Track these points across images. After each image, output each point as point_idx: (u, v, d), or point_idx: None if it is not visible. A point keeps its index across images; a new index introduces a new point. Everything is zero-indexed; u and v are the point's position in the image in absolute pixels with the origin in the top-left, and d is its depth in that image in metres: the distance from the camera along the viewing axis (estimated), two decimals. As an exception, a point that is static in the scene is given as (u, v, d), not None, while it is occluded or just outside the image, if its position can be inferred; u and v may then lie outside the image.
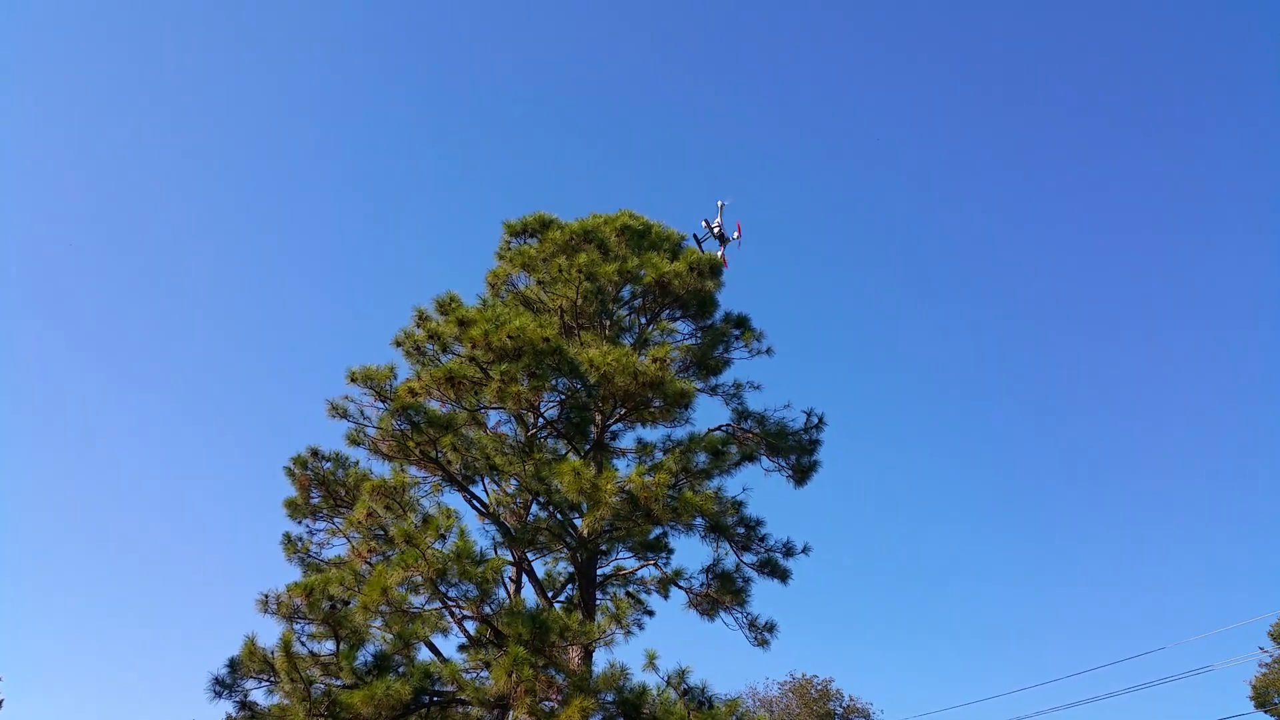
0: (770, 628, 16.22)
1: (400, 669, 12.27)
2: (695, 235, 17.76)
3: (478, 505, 15.40)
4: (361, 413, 15.59)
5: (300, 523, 17.24)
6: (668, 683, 12.53)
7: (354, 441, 15.77)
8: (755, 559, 16.30)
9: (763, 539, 16.30)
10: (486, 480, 15.66)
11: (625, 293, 17.62)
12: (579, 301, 16.09)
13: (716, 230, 17.89)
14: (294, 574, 16.99)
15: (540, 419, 16.20)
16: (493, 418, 16.56)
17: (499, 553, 15.72)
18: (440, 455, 14.10)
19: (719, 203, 17.12)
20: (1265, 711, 46.87)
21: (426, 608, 14.22)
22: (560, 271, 16.05)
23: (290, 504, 16.96)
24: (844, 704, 47.89)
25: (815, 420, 17.16)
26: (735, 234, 18.19)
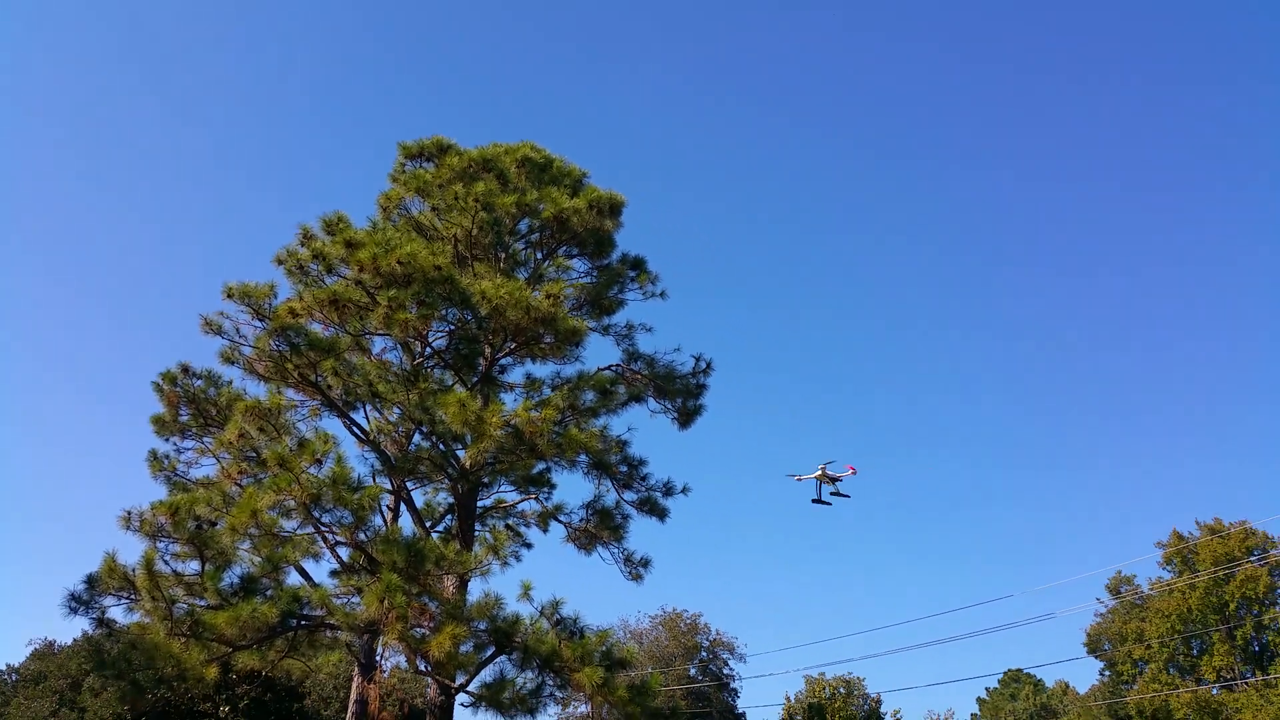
0: (645, 563, 16.78)
1: (268, 592, 12.07)
2: (794, 475, 25.04)
3: (358, 432, 15.13)
4: (237, 330, 15.02)
5: (168, 440, 16.69)
6: (541, 613, 12.79)
7: (228, 360, 15.19)
8: (636, 497, 16.70)
9: (644, 478, 16.69)
10: (368, 407, 15.38)
11: (523, 226, 17.35)
12: (474, 231, 15.76)
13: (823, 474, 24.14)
14: (159, 492, 16.44)
15: (428, 348, 15.93)
16: (378, 344, 16.21)
17: (378, 481, 15.58)
18: (320, 379, 13.74)
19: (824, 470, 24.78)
20: (1095, 656, 51.71)
21: (298, 532, 14.00)
22: (456, 199, 15.65)
23: (157, 420, 16.35)
24: (711, 637, 50.11)
25: (704, 365, 17.58)
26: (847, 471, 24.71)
